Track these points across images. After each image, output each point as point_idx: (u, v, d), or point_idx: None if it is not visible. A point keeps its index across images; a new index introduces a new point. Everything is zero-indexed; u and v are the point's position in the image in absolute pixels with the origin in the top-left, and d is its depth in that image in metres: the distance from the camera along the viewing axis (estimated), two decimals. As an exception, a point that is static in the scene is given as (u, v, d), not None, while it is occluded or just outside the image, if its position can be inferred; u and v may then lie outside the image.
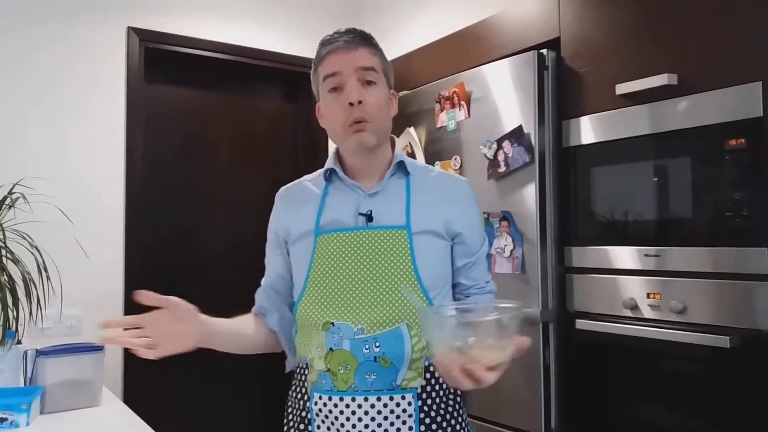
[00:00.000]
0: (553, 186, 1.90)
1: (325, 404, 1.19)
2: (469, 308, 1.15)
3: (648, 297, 1.66)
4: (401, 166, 1.29)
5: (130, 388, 2.63)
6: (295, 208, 1.32)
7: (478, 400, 2.06)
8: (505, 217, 1.95)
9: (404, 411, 1.17)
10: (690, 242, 1.58)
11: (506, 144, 1.95)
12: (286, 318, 1.34)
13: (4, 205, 1.98)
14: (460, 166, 2.14)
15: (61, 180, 2.43)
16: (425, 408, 1.19)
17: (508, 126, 1.96)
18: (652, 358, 1.65)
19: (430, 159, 2.27)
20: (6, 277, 1.92)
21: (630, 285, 1.71)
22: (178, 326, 1.11)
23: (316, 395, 1.20)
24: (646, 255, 1.67)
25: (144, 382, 2.68)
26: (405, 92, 2.45)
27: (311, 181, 1.35)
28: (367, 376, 1.17)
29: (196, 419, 2.95)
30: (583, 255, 1.84)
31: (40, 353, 1.84)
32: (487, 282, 1.36)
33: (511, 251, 1.93)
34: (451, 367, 0.98)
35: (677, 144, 1.62)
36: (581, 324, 1.80)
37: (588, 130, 1.82)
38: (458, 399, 1.27)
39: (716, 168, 1.53)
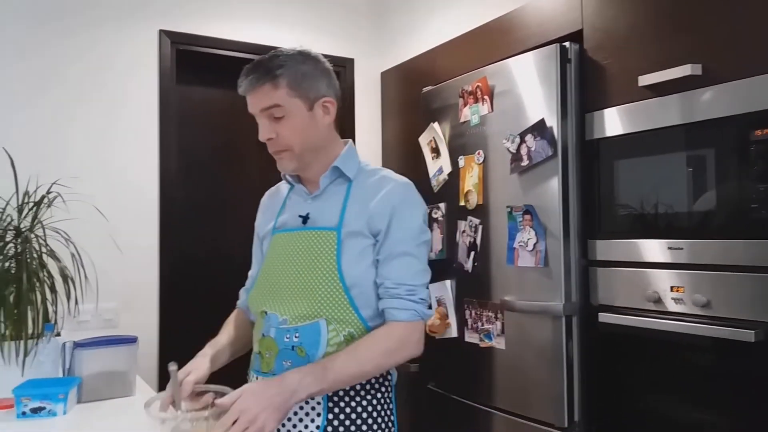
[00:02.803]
0: (576, 179, 1.89)
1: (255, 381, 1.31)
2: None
3: (671, 290, 1.64)
4: (341, 172, 1.36)
5: (164, 379, 2.70)
6: (267, 210, 1.52)
7: (503, 393, 2.06)
8: (528, 210, 1.95)
9: (313, 398, 1.25)
10: (714, 235, 1.56)
11: (529, 138, 1.95)
12: None
13: (43, 204, 2.06)
14: (484, 160, 2.14)
15: (96, 179, 2.53)
16: (335, 398, 1.26)
17: (532, 119, 1.95)
18: (676, 352, 1.63)
19: (454, 154, 2.28)
20: (45, 273, 2.00)
21: (653, 278, 1.69)
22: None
23: (252, 374, 1.38)
24: (670, 248, 1.65)
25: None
26: (429, 88, 2.46)
27: (285, 184, 1.51)
28: (284, 363, 1.28)
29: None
30: (606, 248, 1.82)
31: (77, 345, 1.91)
32: (398, 285, 1.26)
33: (534, 245, 1.93)
34: None
35: (702, 135, 1.59)
36: (604, 317, 1.79)
37: (611, 122, 1.80)
38: (379, 396, 1.31)
39: (741, 159, 1.50)
